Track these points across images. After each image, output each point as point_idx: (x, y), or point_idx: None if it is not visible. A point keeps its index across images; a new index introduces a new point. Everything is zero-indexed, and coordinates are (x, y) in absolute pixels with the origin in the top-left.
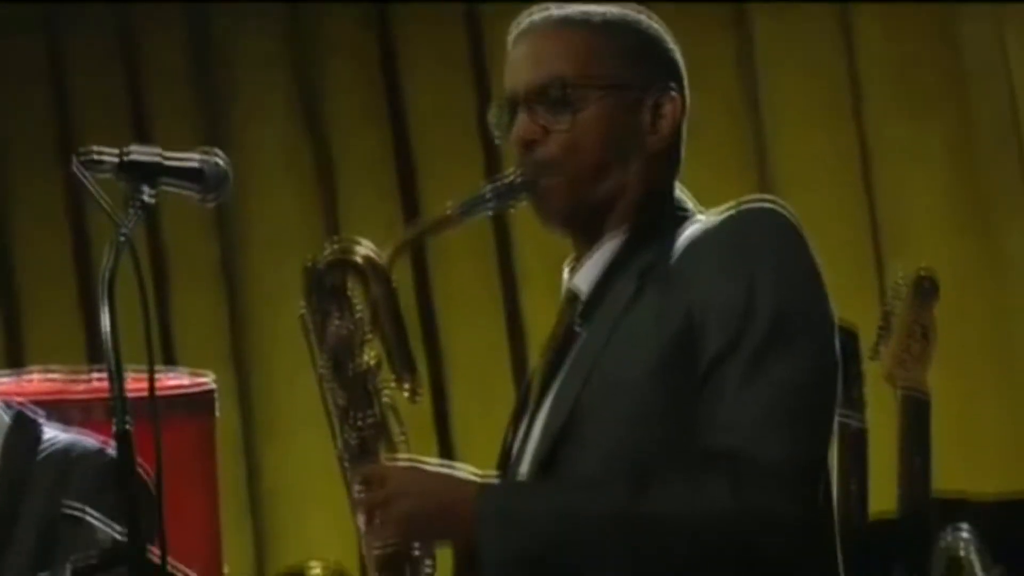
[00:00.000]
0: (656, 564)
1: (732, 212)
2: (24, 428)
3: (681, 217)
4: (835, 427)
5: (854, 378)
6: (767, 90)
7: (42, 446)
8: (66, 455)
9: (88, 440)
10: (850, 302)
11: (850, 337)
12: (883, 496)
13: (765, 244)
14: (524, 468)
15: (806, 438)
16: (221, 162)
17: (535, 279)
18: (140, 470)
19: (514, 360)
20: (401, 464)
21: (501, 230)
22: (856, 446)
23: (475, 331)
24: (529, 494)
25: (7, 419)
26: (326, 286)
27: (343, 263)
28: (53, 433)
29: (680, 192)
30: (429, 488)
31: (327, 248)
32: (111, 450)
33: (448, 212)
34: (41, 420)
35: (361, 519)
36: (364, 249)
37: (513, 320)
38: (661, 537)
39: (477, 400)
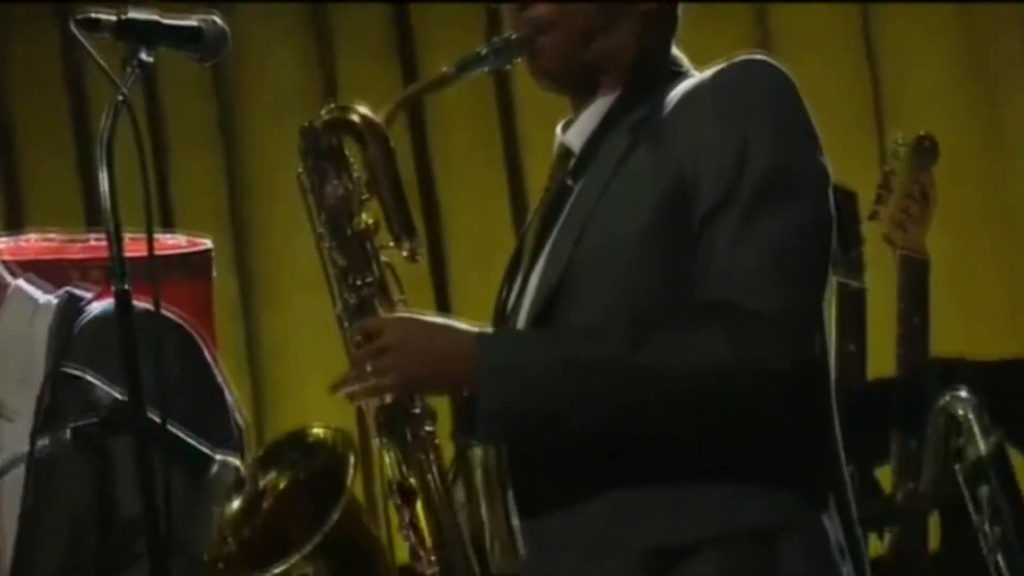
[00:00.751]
0: (651, 414)
1: (724, 65)
2: (69, 307)
3: (675, 74)
4: (830, 281)
5: (853, 239)
6: None
7: (80, 318)
8: (99, 319)
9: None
10: (850, 165)
11: (849, 199)
12: (882, 358)
13: (759, 95)
14: (519, 325)
15: (801, 289)
16: (219, 22)
17: (536, 142)
18: (175, 319)
19: (515, 224)
20: (397, 315)
21: (502, 93)
22: (855, 307)
23: (475, 195)
24: (527, 341)
25: (54, 302)
26: (323, 147)
27: (340, 124)
28: (95, 305)
29: (676, 51)
30: (426, 336)
31: (324, 109)
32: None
33: (445, 70)
34: (89, 295)
35: (359, 372)
36: (361, 110)
37: (514, 183)
38: (657, 387)
39: (476, 264)
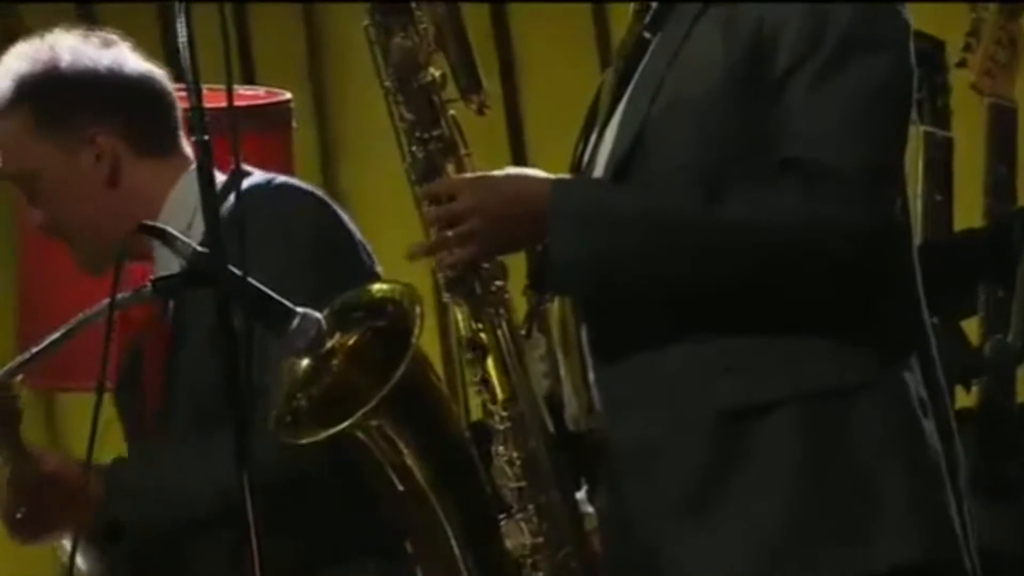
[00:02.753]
0: (728, 267)
1: None
2: (231, 185)
3: None
4: (916, 132)
5: (940, 88)
6: None
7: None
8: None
9: (257, 176)
10: (937, 15)
11: (937, 47)
12: (969, 209)
13: None
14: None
15: (878, 145)
16: None
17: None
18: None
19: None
20: (469, 177)
21: None
22: (942, 157)
23: (554, 45)
24: (605, 191)
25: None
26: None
27: None
28: (249, 181)
29: None
30: (503, 196)
31: None
32: (281, 179)
33: None
34: (252, 173)
35: (432, 235)
36: None
37: (599, 31)
38: (733, 239)
39: (554, 119)
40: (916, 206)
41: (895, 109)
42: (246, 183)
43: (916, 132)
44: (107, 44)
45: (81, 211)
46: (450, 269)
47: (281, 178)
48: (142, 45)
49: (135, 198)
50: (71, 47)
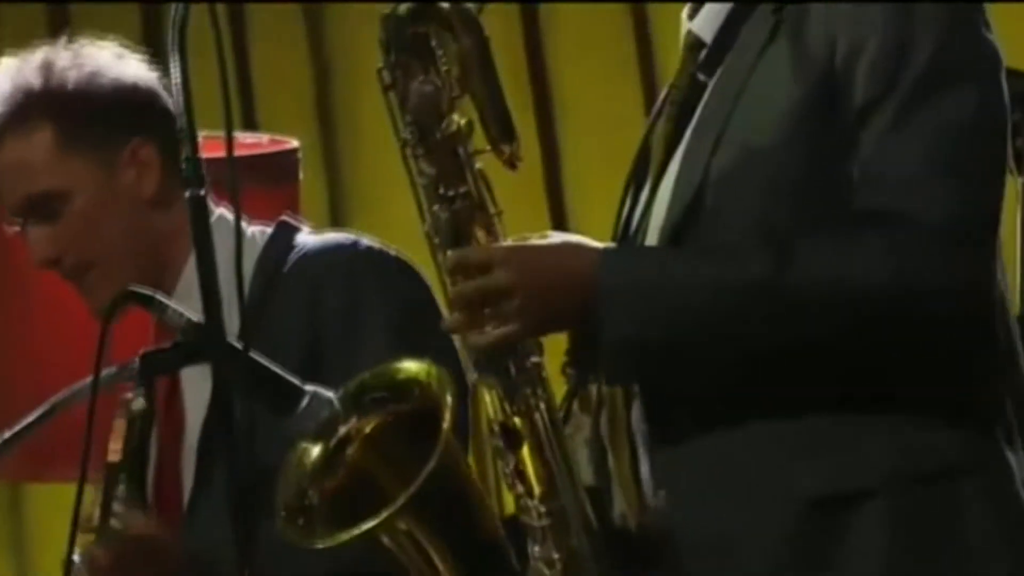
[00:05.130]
0: (804, 338)
1: None
2: (281, 239)
3: None
4: (1014, 182)
5: None
6: None
7: (292, 253)
8: (317, 257)
9: (340, 237)
10: None
11: None
12: None
13: None
14: (648, 244)
15: (971, 192)
16: None
17: (672, 20)
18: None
19: (646, 113)
20: (505, 245)
21: None
22: None
23: (597, 85)
24: (660, 259)
25: (263, 233)
26: (407, 38)
27: (426, 11)
28: (305, 238)
29: None
30: (543, 266)
31: None
32: (369, 243)
33: None
34: (302, 227)
35: (472, 316)
36: None
37: (645, 71)
38: (810, 308)
39: (599, 169)
40: (1015, 270)
41: (988, 149)
42: (311, 240)
43: (1014, 185)
44: (123, 55)
45: (116, 234)
46: (484, 353)
47: (366, 240)
48: None
49: (172, 233)
50: (91, 57)
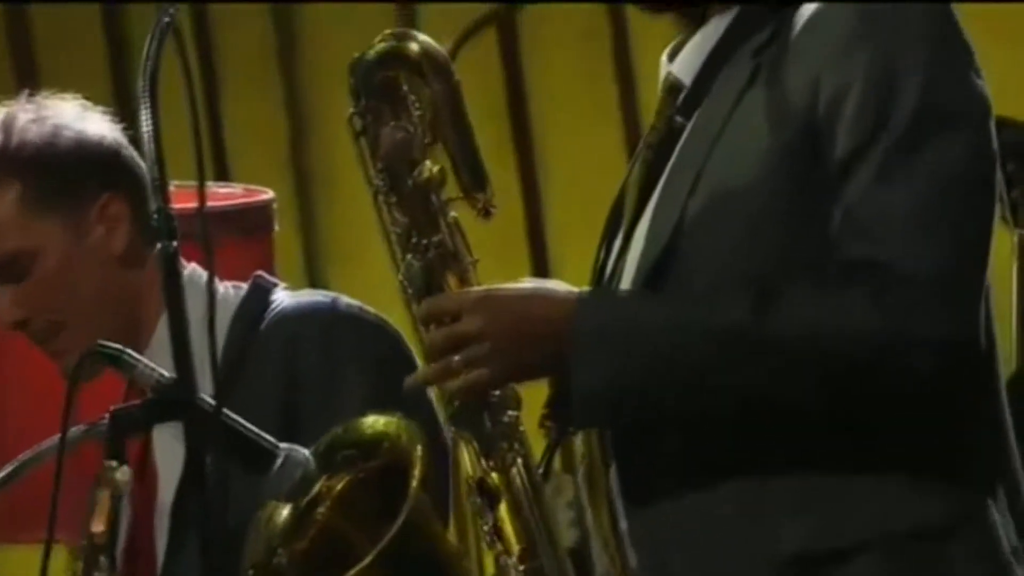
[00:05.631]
0: (785, 390)
1: None
2: (256, 297)
3: None
4: (992, 229)
5: None
6: None
7: (269, 312)
8: (295, 318)
9: (318, 297)
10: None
11: None
12: None
13: (907, 11)
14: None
15: (959, 242)
16: None
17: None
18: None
19: (629, 156)
20: (476, 292)
21: (615, 9)
22: None
23: (579, 132)
24: (635, 304)
25: (244, 290)
26: (377, 83)
27: (396, 56)
28: (282, 296)
29: None
30: (515, 312)
31: (378, 38)
32: (347, 304)
33: None
34: (278, 285)
35: (444, 364)
36: (421, 38)
37: (627, 117)
38: (791, 358)
39: (579, 217)
40: (1010, 325)
41: (975, 199)
42: (287, 299)
43: (1010, 238)
44: (87, 109)
45: (84, 292)
46: (455, 399)
47: (344, 300)
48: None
49: (142, 290)
50: (54, 112)
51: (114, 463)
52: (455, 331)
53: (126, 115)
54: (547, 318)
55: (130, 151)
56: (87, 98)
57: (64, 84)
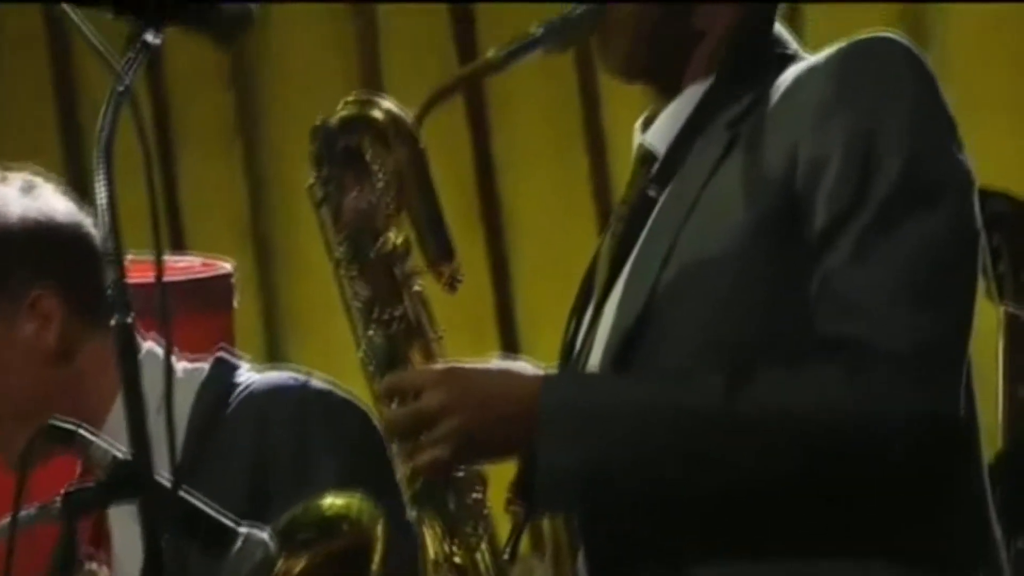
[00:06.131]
0: (757, 472)
1: (843, 45)
2: (221, 376)
3: (780, 58)
4: (973, 305)
5: (1021, 259)
6: None
7: (236, 393)
8: (264, 398)
9: (287, 377)
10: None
11: (1018, 209)
12: None
13: (888, 79)
14: (592, 368)
15: (938, 319)
16: None
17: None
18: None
19: (601, 228)
20: (439, 368)
21: (584, 68)
22: None
23: (549, 201)
24: (602, 384)
25: (206, 368)
26: (340, 150)
27: (359, 122)
28: (249, 375)
29: (780, 28)
30: (481, 392)
31: (341, 104)
32: (317, 384)
33: (491, 57)
34: (241, 363)
35: (404, 442)
36: (385, 104)
37: (598, 186)
38: (763, 439)
39: (550, 289)
40: (996, 402)
41: (957, 274)
42: (256, 378)
43: (995, 313)
44: (30, 188)
45: (17, 390)
46: (417, 478)
47: (316, 382)
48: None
49: (86, 381)
50: None
51: (94, 565)
52: (416, 409)
53: (77, 184)
54: (512, 396)
55: (63, 230)
56: (36, 159)
57: (12, 154)
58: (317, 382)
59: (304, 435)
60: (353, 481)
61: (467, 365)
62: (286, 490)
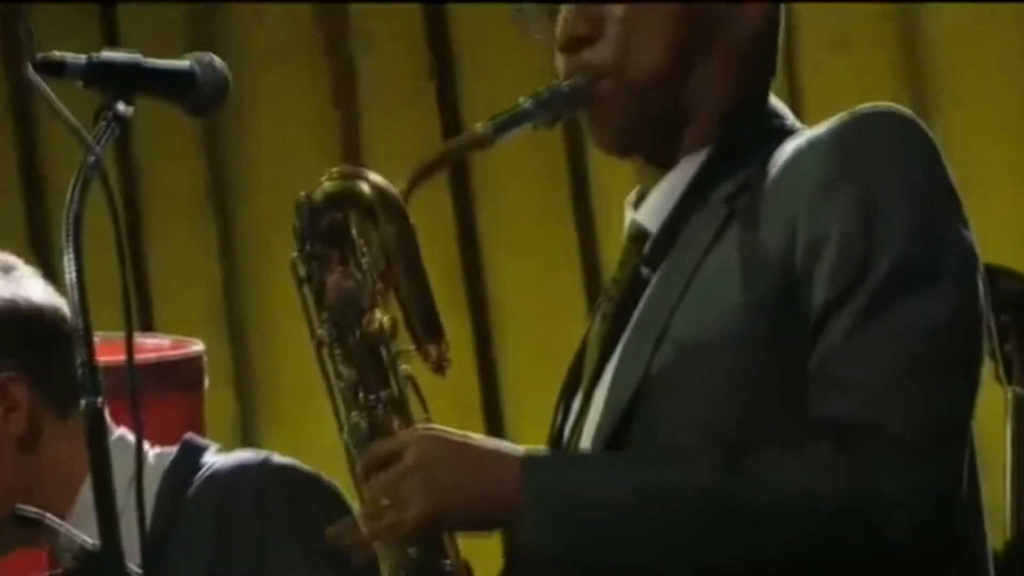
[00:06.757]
0: (750, 554)
1: (843, 117)
2: (186, 459)
3: (777, 131)
4: (976, 388)
5: None
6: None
7: (199, 475)
8: (225, 479)
9: (248, 455)
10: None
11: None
12: None
13: (890, 153)
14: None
15: (939, 402)
16: (218, 64)
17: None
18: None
19: (589, 315)
20: (418, 431)
21: (572, 140)
22: None
23: (537, 276)
24: (590, 464)
25: (172, 452)
26: (324, 226)
27: (345, 196)
28: (214, 459)
29: (775, 101)
30: (457, 457)
31: (325, 176)
32: (278, 459)
33: (479, 130)
34: (210, 446)
35: (372, 508)
36: (372, 178)
37: (588, 264)
38: (759, 519)
39: (537, 372)
40: (1003, 486)
41: (957, 356)
42: (219, 459)
43: (1003, 395)
44: (7, 270)
45: None
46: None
47: (277, 458)
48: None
49: (52, 467)
50: None
51: None
52: (395, 472)
53: (41, 261)
54: (491, 471)
55: (38, 315)
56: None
57: None
58: (278, 458)
59: (266, 517)
60: (318, 558)
61: (447, 431)
62: (249, 566)
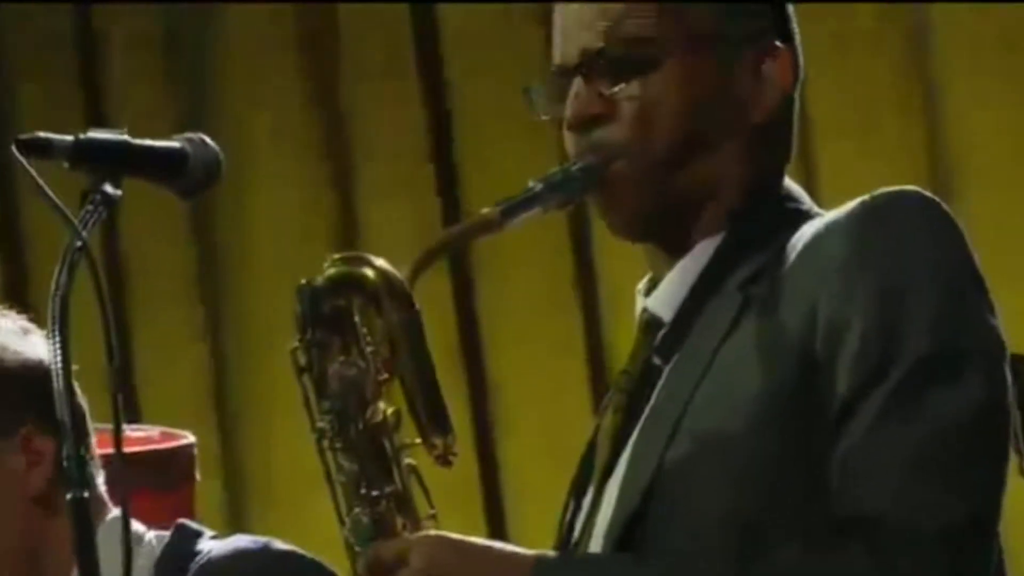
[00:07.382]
0: None
1: (864, 200)
2: (180, 547)
3: (794, 214)
4: (1004, 481)
5: None
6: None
7: (195, 560)
8: (224, 565)
9: (248, 541)
10: None
11: None
12: None
13: (914, 237)
14: (592, 551)
15: (966, 497)
16: (209, 144)
17: (625, 295)
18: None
19: (594, 404)
20: (424, 534)
21: (578, 225)
22: None
23: (540, 367)
24: (602, 567)
25: (159, 538)
26: (326, 312)
27: (349, 282)
28: (210, 545)
29: (790, 185)
30: (464, 561)
31: (327, 262)
32: (279, 546)
33: (487, 214)
34: (204, 531)
35: None
36: (377, 263)
37: (593, 352)
38: None
39: (542, 465)
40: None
41: (984, 450)
42: (216, 544)
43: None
44: (26, 332)
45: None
46: None
47: (277, 544)
48: None
49: (57, 539)
50: None
51: None
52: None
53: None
54: (507, 568)
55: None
56: None
57: None
58: (279, 544)
59: None
60: None
61: (454, 536)
62: None
